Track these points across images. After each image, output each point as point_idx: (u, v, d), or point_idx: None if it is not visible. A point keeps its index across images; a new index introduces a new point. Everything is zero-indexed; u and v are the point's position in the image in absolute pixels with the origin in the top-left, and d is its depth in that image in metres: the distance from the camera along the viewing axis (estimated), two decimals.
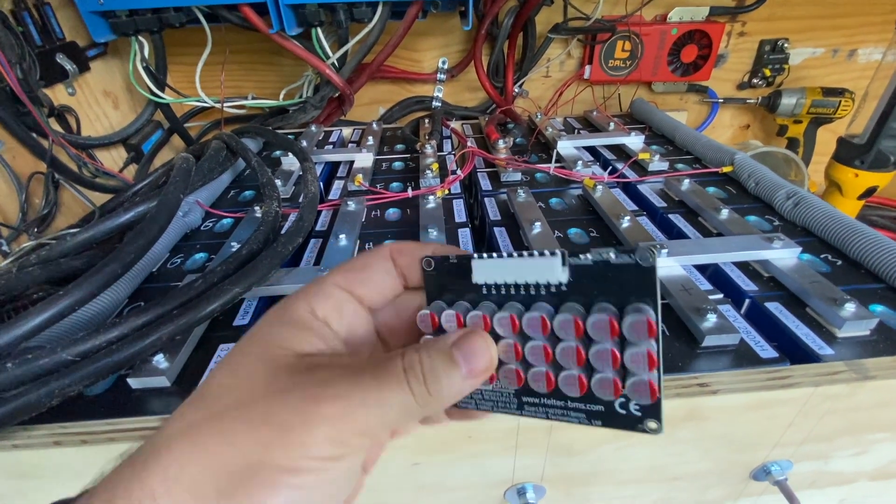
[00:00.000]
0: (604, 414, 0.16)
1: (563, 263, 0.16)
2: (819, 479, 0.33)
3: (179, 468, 0.13)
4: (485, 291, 0.17)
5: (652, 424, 0.15)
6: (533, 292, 0.17)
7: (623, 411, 0.16)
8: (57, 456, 0.25)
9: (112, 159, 0.70)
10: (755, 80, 0.80)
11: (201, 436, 0.13)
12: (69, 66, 0.61)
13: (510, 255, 0.17)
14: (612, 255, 0.15)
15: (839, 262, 0.37)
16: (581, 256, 0.16)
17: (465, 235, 0.43)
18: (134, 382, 0.28)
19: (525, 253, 0.17)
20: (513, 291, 0.17)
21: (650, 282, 0.15)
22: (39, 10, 0.58)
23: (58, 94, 0.61)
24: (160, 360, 0.29)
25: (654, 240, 0.38)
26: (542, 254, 0.16)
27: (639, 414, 0.16)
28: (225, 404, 0.14)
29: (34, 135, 0.55)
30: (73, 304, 0.28)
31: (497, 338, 0.17)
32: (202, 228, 0.47)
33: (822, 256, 0.38)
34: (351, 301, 0.18)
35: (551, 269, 0.16)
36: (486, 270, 0.17)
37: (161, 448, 0.13)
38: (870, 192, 0.63)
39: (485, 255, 0.17)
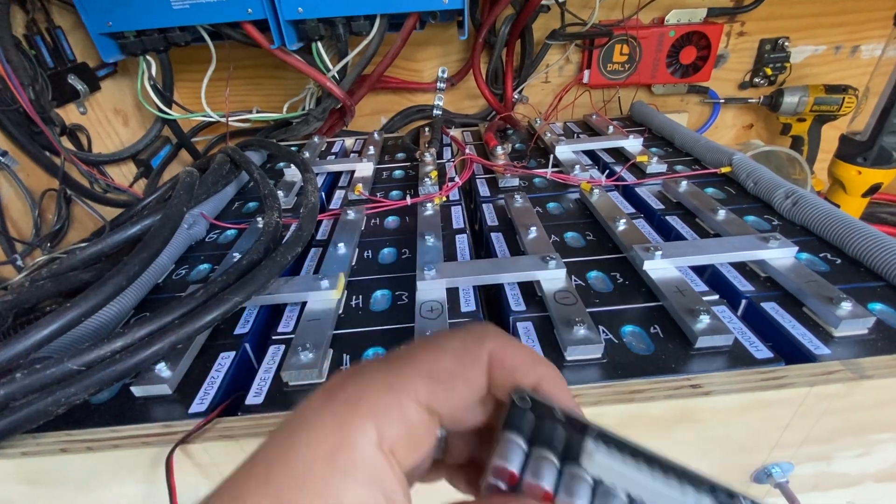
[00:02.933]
0: None
1: None
2: (822, 481, 0.33)
3: None
4: (591, 473, 0.14)
5: None
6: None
7: None
8: (64, 462, 0.26)
9: (122, 175, 0.72)
10: (757, 80, 0.80)
11: None
12: (80, 86, 0.63)
13: (646, 460, 0.13)
14: None
15: (838, 261, 0.37)
16: None
17: (462, 241, 0.43)
18: (137, 391, 0.29)
19: (671, 471, 0.13)
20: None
21: None
22: (51, 34, 0.61)
23: (70, 114, 0.64)
24: (162, 369, 0.29)
25: (649, 242, 0.38)
26: (695, 485, 0.13)
27: None
28: None
29: (47, 153, 0.57)
30: (79, 315, 0.29)
31: None
32: (206, 240, 0.48)
33: (821, 255, 0.37)
34: (427, 423, 0.14)
35: None
36: (602, 466, 0.13)
37: None
38: (874, 189, 0.62)
39: (610, 439, 0.13)
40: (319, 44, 0.63)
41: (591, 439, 0.14)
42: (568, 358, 0.29)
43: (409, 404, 0.14)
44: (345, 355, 0.31)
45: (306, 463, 0.13)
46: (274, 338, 0.34)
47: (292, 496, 0.12)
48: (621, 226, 0.41)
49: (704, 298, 0.32)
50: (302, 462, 0.13)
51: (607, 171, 0.56)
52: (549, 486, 0.13)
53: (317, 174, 0.56)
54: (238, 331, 0.34)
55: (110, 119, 0.70)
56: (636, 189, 0.51)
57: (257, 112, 0.77)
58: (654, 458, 0.13)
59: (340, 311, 0.36)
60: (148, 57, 0.64)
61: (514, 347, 0.15)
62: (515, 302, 0.34)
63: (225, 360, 0.32)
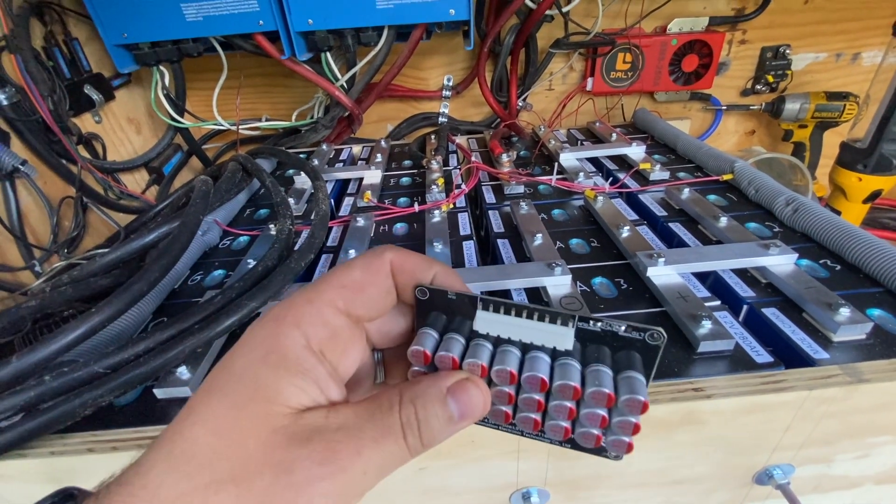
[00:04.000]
0: (576, 444, 0.18)
1: (575, 334, 0.16)
2: (823, 483, 0.33)
3: None
4: (482, 332, 0.17)
5: (616, 454, 0.17)
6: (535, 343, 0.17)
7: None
8: (90, 462, 0.27)
9: (135, 182, 0.73)
10: (758, 87, 0.81)
11: None
12: (96, 95, 0.65)
13: (517, 312, 0.16)
14: (622, 328, 0.16)
15: (838, 267, 0.37)
16: (591, 322, 0.16)
17: (469, 248, 0.44)
18: (159, 393, 0.30)
19: (535, 313, 0.16)
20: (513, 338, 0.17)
21: (652, 359, 0.16)
22: (68, 46, 0.63)
23: (85, 123, 0.65)
24: (183, 372, 0.31)
25: (653, 248, 0.39)
26: (553, 319, 0.16)
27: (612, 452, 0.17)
28: (217, 476, 0.13)
29: (64, 161, 0.59)
30: (104, 320, 0.31)
31: (490, 382, 0.17)
32: (220, 246, 0.49)
33: (821, 262, 0.38)
34: (349, 327, 0.17)
35: (561, 338, 0.16)
36: (489, 323, 0.17)
37: None
38: (874, 195, 0.63)
39: (490, 303, 0.16)
40: (328, 54, 0.64)
41: (479, 308, 0.17)
42: None
43: (327, 310, 0.16)
44: None
45: (244, 365, 0.15)
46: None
47: (231, 387, 0.14)
48: (625, 232, 0.42)
49: (706, 304, 0.33)
50: (240, 365, 0.15)
51: (611, 178, 0.57)
52: (455, 355, 0.17)
53: (326, 181, 0.57)
54: None
55: (124, 127, 0.72)
56: (639, 196, 0.52)
57: (266, 120, 0.79)
58: (528, 306, 0.16)
59: None
60: (161, 67, 0.66)
61: (410, 254, 0.18)
62: None
63: None
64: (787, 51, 0.78)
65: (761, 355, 0.30)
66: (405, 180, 0.61)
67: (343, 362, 0.17)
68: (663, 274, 0.36)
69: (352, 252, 0.43)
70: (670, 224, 0.46)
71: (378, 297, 0.17)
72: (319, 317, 0.16)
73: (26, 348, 0.29)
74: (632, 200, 0.52)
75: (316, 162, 0.63)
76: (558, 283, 0.36)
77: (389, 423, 0.15)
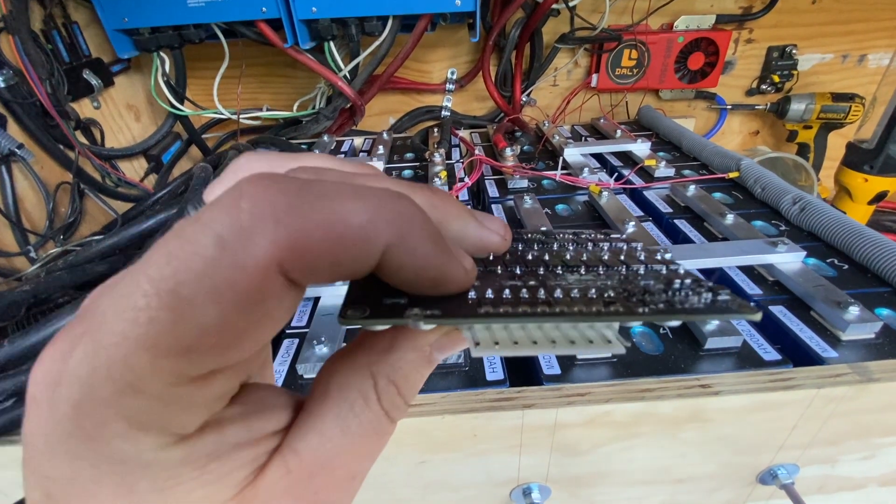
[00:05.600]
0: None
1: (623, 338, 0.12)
2: (827, 483, 0.33)
3: None
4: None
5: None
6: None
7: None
8: None
9: (133, 169, 0.73)
10: (764, 87, 0.80)
11: None
12: (95, 81, 0.64)
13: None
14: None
15: (845, 267, 0.37)
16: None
17: None
18: None
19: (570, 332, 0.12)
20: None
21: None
22: (68, 29, 0.62)
23: (84, 108, 0.64)
24: None
25: (657, 243, 0.39)
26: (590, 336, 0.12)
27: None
28: None
29: (61, 147, 0.58)
30: None
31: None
32: None
33: (829, 261, 0.38)
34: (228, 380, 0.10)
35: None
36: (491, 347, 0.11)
37: None
38: (880, 196, 0.62)
39: (486, 321, 0.11)
40: (332, 43, 0.63)
41: (473, 347, 0.11)
42: (579, 357, 0.30)
43: (177, 394, 0.09)
44: None
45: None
46: (287, 332, 0.34)
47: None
48: (630, 228, 0.41)
49: None
50: None
51: (615, 174, 0.57)
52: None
53: None
54: None
55: (123, 114, 0.71)
56: (644, 192, 0.51)
57: (267, 110, 0.78)
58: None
59: None
60: (162, 53, 0.65)
61: (316, 221, 0.09)
62: None
63: None
64: (794, 51, 0.77)
65: (769, 353, 0.30)
66: (407, 173, 0.61)
67: (255, 385, 0.12)
68: None
69: None
70: (675, 220, 0.45)
71: (259, 341, 0.09)
72: (170, 406, 0.09)
73: (18, 332, 0.28)
74: (636, 197, 0.51)
75: (317, 153, 0.62)
76: None
77: (371, 421, 0.11)
